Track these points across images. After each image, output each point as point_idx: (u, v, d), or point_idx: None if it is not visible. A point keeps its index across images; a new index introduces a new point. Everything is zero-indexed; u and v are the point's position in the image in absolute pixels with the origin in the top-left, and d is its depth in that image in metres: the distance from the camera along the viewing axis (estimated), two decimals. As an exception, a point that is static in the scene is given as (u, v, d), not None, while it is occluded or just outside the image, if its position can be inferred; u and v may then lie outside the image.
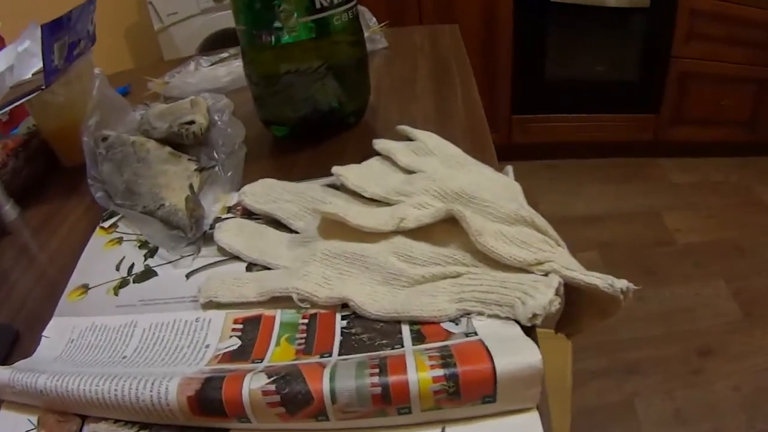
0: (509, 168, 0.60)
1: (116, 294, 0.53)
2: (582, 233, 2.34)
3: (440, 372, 0.36)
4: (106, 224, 0.64)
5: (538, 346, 0.39)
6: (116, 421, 0.40)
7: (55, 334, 0.50)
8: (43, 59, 0.69)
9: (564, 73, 2.65)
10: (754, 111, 2.61)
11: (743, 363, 1.81)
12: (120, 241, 0.61)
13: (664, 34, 2.46)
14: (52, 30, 0.68)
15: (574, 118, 2.70)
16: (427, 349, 0.39)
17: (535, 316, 0.40)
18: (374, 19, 1.06)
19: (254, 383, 0.37)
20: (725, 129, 2.68)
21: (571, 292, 0.47)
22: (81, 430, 0.41)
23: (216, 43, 2.22)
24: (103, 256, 0.59)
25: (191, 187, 0.62)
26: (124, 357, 0.45)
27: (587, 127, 2.71)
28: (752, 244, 2.28)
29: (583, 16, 2.49)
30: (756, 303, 2.02)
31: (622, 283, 0.42)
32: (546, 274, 0.44)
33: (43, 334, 0.50)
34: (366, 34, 1.02)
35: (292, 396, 0.36)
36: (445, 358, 0.37)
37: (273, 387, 0.37)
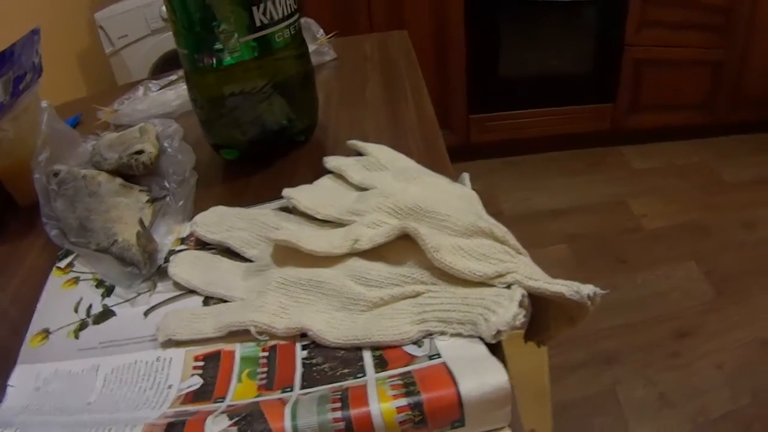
0: (465, 175, 0.59)
1: (77, 337, 0.52)
2: (549, 227, 2.36)
3: (404, 401, 0.35)
4: (62, 264, 0.62)
5: (505, 364, 0.38)
6: None
7: (21, 382, 0.48)
8: (-12, 96, 0.67)
9: (518, 69, 2.66)
10: (710, 93, 2.66)
11: (722, 340, 1.84)
12: (77, 281, 0.59)
13: (617, 24, 2.49)
14: (-4, 65, 0.66)
15: (532, 113, 2.72)
16: (389, 377, 0.38)
17: (499, 332, 0.39)
18: (321, 31, 1.04)
19: (215, 427, 0.36)
20: (683, 113, 2.72)
21: (537, 300, 0.46)
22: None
23: (169, 63, 2.20)
24: (61, 297, 0.57)
25: (141, 222, 0.61)
26: (88, 403, 0.44)
27: (545, 122, 2.73)
28: (718, 223, 2.31)
29: (534, 11, 2.51)
30: (728, 281, 2.05)
31: (588, 289, 0.41)
32: (508, 286, 0.43)
33: (9, 383, 0.48)
34: (313, 47, 1.01)
35: None
36: (408, 386, 0.36)
37: (235, 430, 0.35)
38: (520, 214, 2.42)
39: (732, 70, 2.59)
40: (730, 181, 2.57)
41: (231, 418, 0.36)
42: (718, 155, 2.74)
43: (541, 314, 0.48)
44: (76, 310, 0.55)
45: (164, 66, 2.20)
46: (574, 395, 1.70)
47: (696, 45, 2.53)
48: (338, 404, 0.36)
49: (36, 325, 0.54)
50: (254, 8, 0.64)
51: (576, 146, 2.84)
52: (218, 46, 0.65)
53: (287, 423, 0.35)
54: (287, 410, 0.36)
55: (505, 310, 0.40)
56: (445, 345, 0.41)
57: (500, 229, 0.47)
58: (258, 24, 0.65)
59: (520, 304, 0.41)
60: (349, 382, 0.40)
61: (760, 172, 2.60)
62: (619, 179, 2.65)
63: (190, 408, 0.41)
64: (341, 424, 0.35)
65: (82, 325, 0.53)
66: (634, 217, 2.40)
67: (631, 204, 2.47)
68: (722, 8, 2.45)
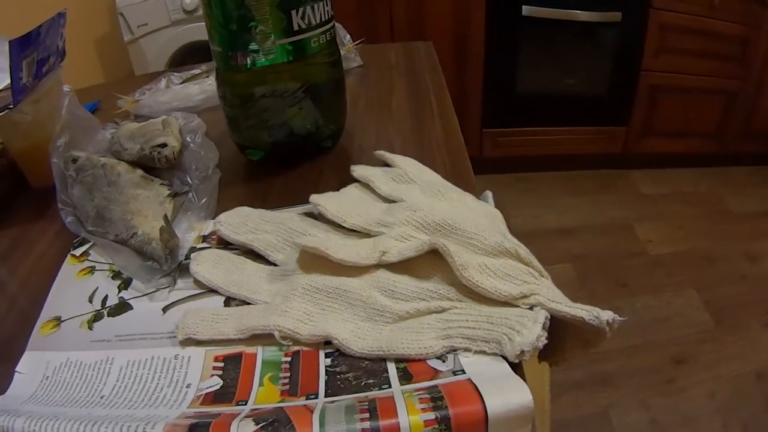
0: (489, 194, 0.60)
1: (90, 328, 0.51)
2: (555, 246, 2.36)
3: (432, 415, 0.36)
4: (77, 252, 0.62)
5: (527, 383, 0.39)
6: None
7: (29, 369, 0.47)
8: (11, 77, 0.66)
9: (535, 86, 2.66)
10: (721, 122, 2.66)
11: (717, 370, 1.84)
12: (92, 270, 0.59)
13: (635, 48, 2.49)
14: (21, 46, 0.65)
15: (545, 131, 2.72)
16: (416, 390, 0.38)
17: (523, 353, 0.40)
18: (348, 37, 1.05)
19: (242, 430, 0.36)
20: (694, 140, 2.72)
21: (554, 322, 0.47)
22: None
23: (186, 55, 2.20)
24: (75, 286, 0.57)
25: (165, 217, 0.60)
26: (102, 396, 0.44)
27: (558, 141, 2.74)
28: (722, 253, 2.31)
29: (554, 30, 2.51)
30: (726, 311, 2.05)
31: (607, 315, 0.41)
32: (531, 307, 0.44)
33: (17, 369, 0.47)
34: (341, 53, 1.01)
35: None
36: (436, 401, 0.36)
37: None
38: (528, 230, 2.43)
39: (745, 100, 2.60)
40: (736, 211, 2.57)
41: (257, 423, 0.36)
42: (726, 185, 2.74)
43: (557, 336, 0.49)
44: (90, 301, 0.55)
45: (183, 58, 2.20)
46: (568, 414, 1.70)
47: (712, 74, 2.53)
48: (366, 414, 0.36)
49: (48, 312, 0.54)
50: (293, 12, 0.64)
51: (586, 167, 2.84)
52: (254, 46, 0.65)
53: (315, 430, 0.35)
54: (315, 417, 0.36)
55: (529, 331, 0.41)
56: (469, 361, 0.41)
57: (525, 251, 0.48)
58: (296, 28, 0.65)
59: (543, 326, 0.41)
60: (375, 393, 0.40)
61: (766, 204, 2.60)
62: (627, 203, 2.65)
63: (212, 410, 0.41)
64: None
65: (97, 317, 0.52)
66: (639, 242, 2.40)
67: (637, 228, 2.47)
68: (740, 39, 2.45)
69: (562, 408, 1.72)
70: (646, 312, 2.05)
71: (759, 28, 2.41)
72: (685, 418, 1.68)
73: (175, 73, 1.07)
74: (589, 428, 1.67)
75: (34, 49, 0.69)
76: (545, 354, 0.51)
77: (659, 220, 2.53)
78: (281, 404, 0.40)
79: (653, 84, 2.56)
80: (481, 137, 2.70)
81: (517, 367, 0.40)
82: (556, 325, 0.47)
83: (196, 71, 1.07)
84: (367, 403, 0.37)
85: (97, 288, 0.56)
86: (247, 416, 0.37)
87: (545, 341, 0.41)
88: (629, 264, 2.29)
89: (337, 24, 1.01)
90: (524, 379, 0.39)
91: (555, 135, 2.72)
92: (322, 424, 0.36)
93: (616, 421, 1.68)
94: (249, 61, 0.66)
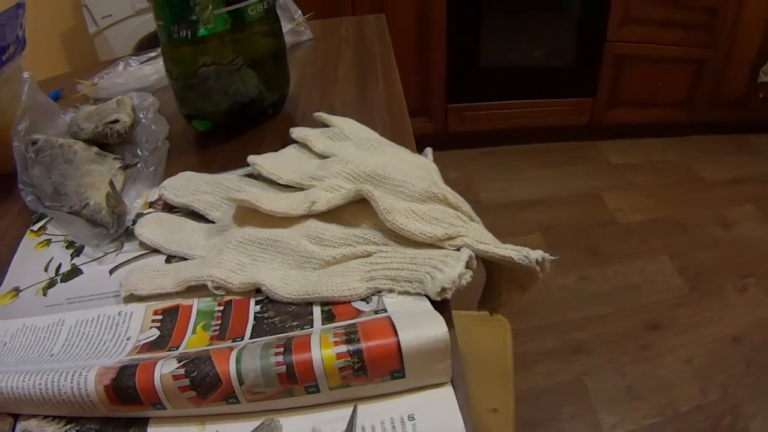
0: (428, 150, 0.61)
1: (45, 294, 0.53)
2: (524, 217, 2.36)
3: (344, 348, 0.37)
4: (36, 227, 0.64)
5: (449, 321, 0.40)
6: (45, 417, 0.40)
7: None
8: (-29, 66, 0.68)
9: (499, 60, 2.66)
10: (690, 91, 2.67)
11: (692, 335, 1.85)
12: (48, 242, 0.61)
13: (599, 18, 2.49)
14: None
15: (511, 104, 2.71)
16: (334, 328, 0.40)
17: (444, 290, 0.41)
18: (299, 11, 1.06)
19: (165, 368, 0.37)
20: (662, 109, 2.73)
21: (490, 267, 0.48)
22: (14, 428, 0.41)
23: (151, 44, 2.17)
24: (33, 258, 0.59)
25: (111, 183, 0.62)
26: (52, 354, 0.46)
27: (525, 113, 2.73)
28: (694, 220, 2.33)
29: (517, 2, 2.51)
30: (701, 277, 2.06)
31: (537, 254, 0.42)
32: (458, 249, 0.45)
33: None
34: (290, 26, 1.02)
35: (200, 379, 0.37)
36: (349, 335, 0.38)
37: (182, 371, 0.37)
38: (497, 203, 2.43)
39: (714, 69, 2.61)
40: (708, 179, 2.58)
41: (180, 361, 0.38)
42: (696, 153, 2.75)
43: (493, 282, 0.50)
44: (46, 269, 0.57)
45: (147, 47, 2.18)
46: (543, 383, 1.71)
47: (679, 43, 2.54)
48: (281, 349, 0.37)
49: (7, 284, 0.56)
50: (229, -19, 0.66)
51: (554, 139, 2.85)
52: (193, 17, 0.66)
53: (232, 366, 0.37)
54: (233, 354, 0.38)
55: (451, 269, 0.42)
56: (392, 301, 0.43)
57: (453, 195, 0.49)
58: (232, -4, 0.66)
59: (468, 265, 0.42)
60: (296, 333, 0.41)
61: (737, 171, 2.62)
62: (596, 173, 2.66)
63: (145, 356, 0.42)
64: (282, 368, 0.36)
65: (51, 283, 0.55)
66: (609, 211, 2.41)
67: (606, 198, 2.48)
68: (707, 7, 2.45)
69: (536, 377, 1.73)
70: (618, 279, 2.06)
71: (726, -5, 2.43)
72: (662, 384, 1.70)
73: (133, 57, 1.07)
74: (565, 396, 1.68)
75: (-7, 39, 0.70)
76: (483, 301, 0.53)
77: (629, 189, 2.54)
78: (208, 347, 0.42)
79: (619, 54, 2.56)
80: (447, 112, 2.67)
81: (443, 309, 0.41)
82: (492, 270, 0.49)
83: (152, 54, 1.08)
84: (284, 341, 0.38)
85: (52, 258, 0.58)
86: (172, 357, 0.39)
87: (469, 279, 0.42)
88: (599, 233, 2.30)
89: (287, -1, 1.03)
90: (450, 321, 0.40)
91: (521, 108, 2.72)
92: (238, 360, 0.37)
93: (591, 388, 1.69)
94: (189, 33, 0.67)
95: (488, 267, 0.48)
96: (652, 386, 1.69)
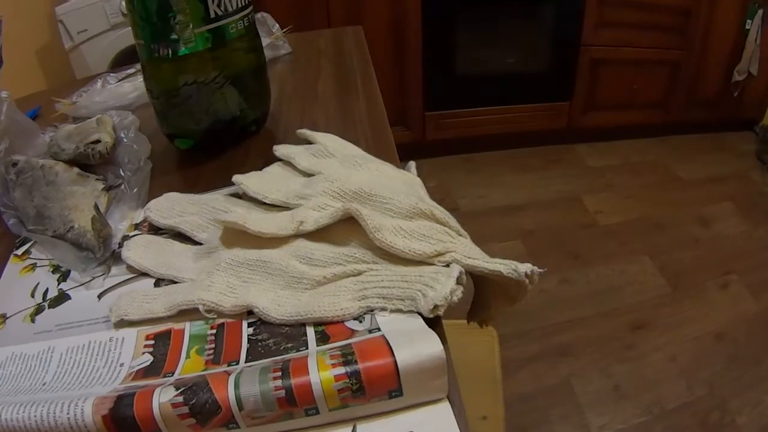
0: (411, 164, 0.61)
1: (33, 321, 0.52)
2: (504, 223, 2.37)
3: (342, 370, 0.37)
4: (20, 251, 0.63)
5: (442, 337, 0.40)
6: None
7: None
8: (-52, 85, 0.67)
9: (475, 67, 2.67)
10: (666, 93, 2.71)
11: (676, 333, 1.88)
12: (34, 267, 0.60)
13: (573, 23, 2.52)
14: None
15: (488, 111, 2.73)
16: (329, 349, 0.40)
17: (436, 307, 0.41)
18: (277, 25, 1.06)
19: (163, 397, 0.37)
20: (639, 111, 2.76)
21: (478, 280, 0.48)
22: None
23: (128, 58, 2.17)
24: (18, 284, 0.58)
25: (96, 207, 0.62)
26: (44, 383, 0.45)
27: (502, 119, 2.75)
28: (673, 220, 2.36)
29: (492, 9, 2.53)
30: (682, 275, 2.09)
31: (525, 267, 0.43)
32: (447, 265, 0.45)
33: None
34: (268, 41, 1.02)
35: (199, 406, 0.37)
36: (346, 356, 0.38)
37: (181, 399, 0.37)
38: (476, 210, 2.44)
39: (689, 70, 2.65)
40: (686, 178, 2.62)
41: (177, 389, 0.37)
42: (673, 153, 2.79)
43: (482, 294, 0.51)
44: (32, 295, 0.56)
45: (123, 61, 2.17)
46: (529, 387, 1.73)
47: (654, 46, 2.58)
48: (279, 373, 0.37)
49: (-7, 311, 0.55)
50: (209, 0, 0.65)
51: (532, 144, 2.87)
52: (174, 36, 0.66)
53: (231, 391, 0.37)
54: (231, 379, 0.37)
55: (443, 286, 0.42)
56: (385, 320, 0.43)
57: (441, 211, 0.49)
58: (212, 15, 0.66)
59: (458, 281, 0.43)
60: (292, 355, 0.41)
61: (714, 170, 2.66)
62: (575, 176, 2.68)
63: (141, 383, 0.42)
64: (282, 393, 0.36)
65: (38, 309, 0.54)
66: (589, 214, 2.43)
67: (586, 200, 2.50)
68: (681, 10, 2.50)
69: (523, 381, 1.74)
70: (600, 281, 2.08)
71: (699, -2, 2.47)
72: (648, 382, 1.72)
73: (111, 74, 1.07)
74: (552, 398, 1.70)
75: (-31, 57, 0.69)
76: (473, 314, 0.53)
77: (608, 191, 2.57)
78: (204, 372, 0.41)
79: (594, 58, 2.60)
80: (424, 121, 2.67)
81: (435, 325, 0.41)
82: (480, 283, 0.49)
83: (131, 70, 1.07)
84: (281, 364, 0.38)
85: (39, 283, 0.57)
86: (170, 384, 0.38)
87: (460, 295, 0.42)
88: (580, 236, 2.32)
89: (264, 13, 1.03)
90: (443, 337, 0.40)
91: (498, 114, 2.73)
92: (236, 385, 0.37)
93: (578, 390, 1.71)
94: (170, 51, 0.67)
95: (476, 280, 0.48)
96: (639, 385, 1.71)
